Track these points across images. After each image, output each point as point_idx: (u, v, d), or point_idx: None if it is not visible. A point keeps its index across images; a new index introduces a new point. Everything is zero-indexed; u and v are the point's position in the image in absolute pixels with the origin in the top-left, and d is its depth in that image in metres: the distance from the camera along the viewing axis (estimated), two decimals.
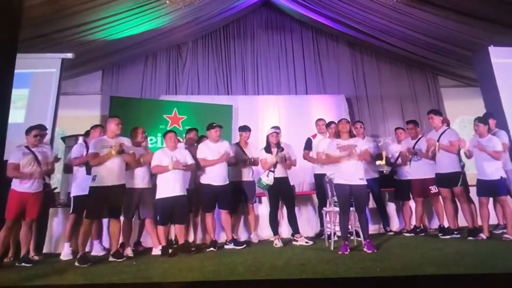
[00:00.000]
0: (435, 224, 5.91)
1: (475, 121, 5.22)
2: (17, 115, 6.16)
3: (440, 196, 5.45)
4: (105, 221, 5.20)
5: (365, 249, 4.44)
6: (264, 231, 5.88)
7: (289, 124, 8.88)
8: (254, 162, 5.70)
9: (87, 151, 4.90)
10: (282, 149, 5.45)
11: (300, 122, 8.74)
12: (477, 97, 7.88)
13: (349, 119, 5.80)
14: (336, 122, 5.15)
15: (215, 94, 9.98)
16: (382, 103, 10.36)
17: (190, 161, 5.09)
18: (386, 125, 10.06)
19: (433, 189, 5.47)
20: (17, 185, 4.69)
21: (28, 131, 4.92)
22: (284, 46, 10.71)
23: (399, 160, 5.95)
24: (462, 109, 9.82)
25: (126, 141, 4.89)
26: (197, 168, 5.28)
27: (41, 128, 5.19)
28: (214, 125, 5.39)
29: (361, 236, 4.66)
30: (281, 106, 9.66)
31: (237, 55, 10.51)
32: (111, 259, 4.61)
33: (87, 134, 5.42)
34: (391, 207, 6.32)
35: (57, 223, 5.68)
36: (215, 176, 5.24)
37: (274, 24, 10.89)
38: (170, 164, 4.85)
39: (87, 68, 9.55)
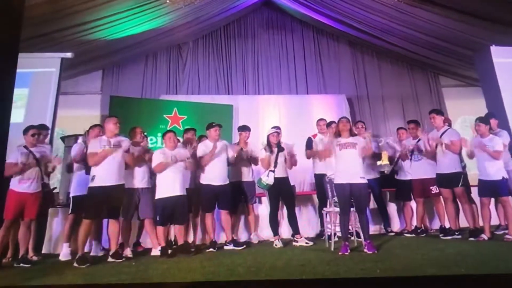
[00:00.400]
0: (436, 225, 5.88)
1: (476, 121, 5.19)
2: (16, 115, 6.16)
3: (441, 197, 5.42)
4: (104, 221, 5.16)
5: (365, 250, 4.40)
6: (264, 232, 5.85)
7: (289, 124, 8.88)
8: (255, 161, 5.69)
9: (87, 150, 4.87)
10: (283, 149, 5.43)
11: (300, 122, 8.74)
12: (479, 97, 7.85)
13: (350, 119, 5.77)
14: (337, 121, 5.12)
15: (216, 94, 9.99)
16: (383, 103, 10.37)
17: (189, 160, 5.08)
18: (387, 125, 10.04)
19: (434, 189, 5.44)
20: (15, 185, 4.66)
21: (25, 131, 4.90)
22: (285, 46, 10.72)
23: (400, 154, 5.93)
24: (464, 109, 9.80)
25: (126, 141, 4.87)
26: (197, 167, 5.26)
27: (40, 127, 5.19)
28: (213, 124, 5.37)
29: (362, 236, 4.63)
30: (281, 106, 9.65)
31: (237, 55, 10.53)
32: (110, 259, 4.59)
33: (86, 134, 5.40)
34: (392, 208, 6.28)
35: (57, 224, 5.65)
36: (215, 176, 5.22)
37: (275, 24, 10.90)
38: (164, 158, 4.83)
39: (88, 67, 9.56)
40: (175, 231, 5.14)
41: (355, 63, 10.70)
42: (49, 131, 5.70)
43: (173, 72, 10.23)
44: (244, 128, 5.87)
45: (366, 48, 10.74)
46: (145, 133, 5.46)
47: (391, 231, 5.89)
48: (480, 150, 5.00)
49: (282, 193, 5.42)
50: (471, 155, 5.24)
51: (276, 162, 5.31)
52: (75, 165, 5.18)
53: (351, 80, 10.56)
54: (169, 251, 4.79)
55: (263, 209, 6.01)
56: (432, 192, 5.47)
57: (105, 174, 4.57)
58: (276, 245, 5.14)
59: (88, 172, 4.79)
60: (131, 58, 10.00)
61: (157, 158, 4.90)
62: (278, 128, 5.69)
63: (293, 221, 5.36)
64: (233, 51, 10.54)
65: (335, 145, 4.71)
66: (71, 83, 9.47)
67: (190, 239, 5.48)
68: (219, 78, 10.25)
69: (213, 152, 5.19)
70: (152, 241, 5.07)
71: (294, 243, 5.23)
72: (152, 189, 5.04)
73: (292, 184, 5.74)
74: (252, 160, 5.72)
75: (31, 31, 6.66)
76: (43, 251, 5.40)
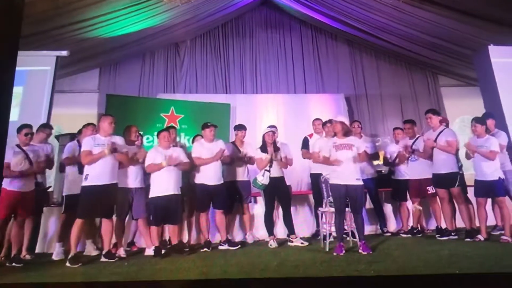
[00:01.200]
0: (432, 225, 5.86)
1: (473, 121, 5.15)
2: (11, 113, 6.12)
3: (437, 197, 5.38)
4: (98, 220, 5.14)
5: (360, 251, 4.38)
6: (260, 232, 5.81)
7: (287, 123, 8.86)
8: (250, 161, 5.64)
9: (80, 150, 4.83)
10: (278, 149, 5.40)
11: (299, 121, 8.67)
12: (478, 96, 7.80)
13: (347, 118, 5.76)
14: (332, 121, 5.09)
15: (213, 93, 9.92)
16: (382, 102, 10.30)
17: (184, 159, 5.04)
18: (386, 125, 9.98)
19: (430, 189, 5.39)
20: (7, 184, 4.60)
21: (19, 130, 4.86)
22: (283, 45, 10.65)
23: (397, 160, 5.90)
24: (462, 109, 9.73)
25: (119, 140, 4.82)
26: (192, 167, 5.23)
27: (44, 126, 5.33)
28: (209, 124, 5.34)
29: (357, 237, 4.60)
30: (279, 105, 9.59)
31: (235, 54, 10.46)
32: (103, 259, 4.56)
33: (79, 132, 5.37)
34: (388, 208, 6.25)
35: (51, 223, 5.62)
36: (210, 175, 5.18)
37: (273, 23, 10.83)
38: (164, 160, 4.80)
39: (85, 65, 9.51)
40: (169, 231, 5.11)
41: (354, 62, 10.63)
42: (49, 130, 5.64)
43: (170, 71, 10.16)
44: (240, 127, 5.83)
45: (364, 47, 10.68)
46: (140, 132, 5.42)
47: (387, 232, 5.86)
48: (471, 150, 4.99)
49: (278, 193, 5.38)
50: (469, 156, 5.20)
51: (271, 162, 5.28)
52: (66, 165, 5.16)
53: (350, 79, 10.49)
54: (163, 251, 4.75)
55: (258, 209, 5.96)
56: (429, 192, 5.43)
57: (98, 173, 4.52)
58: (271, 245, 5.11)
59: (81, 171, 4.75)
60: (129, 56, 9.96)
61: (149, 158, 4.87)
62: (274, 127, 5.66)
63: (288, 221, 5.33)
64: (231, 50, 10.47)
65: (331, 147, 4.69)
66: (68, 81, 9.42)
67: (185, 238, 5.45)
68: (216, 77, 10.18)
69: (216, 158, 5.19)
70: (146, 241, 5.03)
71: (289, 243, 5.21)
72: (145, 188, 5.01)
73: (288, 183, 5.71)
74: (247, 159, 5.68)
75: (27, 29, 6.60)
76: (37, 251, 5.36)
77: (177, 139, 6.11)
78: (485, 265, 3.68)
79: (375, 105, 10.28)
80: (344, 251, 4.39)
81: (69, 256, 4.42)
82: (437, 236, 5.28)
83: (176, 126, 7.32)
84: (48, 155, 5.23)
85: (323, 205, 5.10)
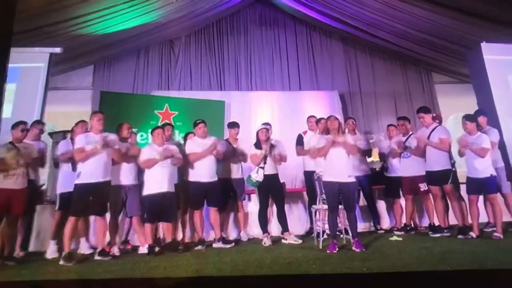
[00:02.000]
0: (425, 222, 5.89)
1: (463, 119, 5.18)
2: (4, 110, 6.09)
3: (430, 194, 5.40)
4: (92, 218, 5.12)
5: (353, 248, 4.40)
6: (254, 229, 5.82)
7: (282, 120, 8.85)
8: (244, 158, 5.65)
9: (73, 147, 4.80)
10: (272, 146, 5.40)
11: (293, 118, 8.68)
12: (472, 93, 7.82)
13: (342, 115, 5.77)
14: (331, 117, 5.08)
15: (208, 90, 9.91)
16: (376, 100, 10.32)
17: (178, 155, 5.04)
18: (380, 122, 9.98)
19: (423, 186, 5.40)
20: (0, 181, 4.57)
21: (14, 126, 4.82)
22: (278, 42, 10.66)
23: (390, 155, 5.91)
24: (456, 106, 9.75)
25: (113, 137, 4.81)
26: (186, 163, 5.22)
27: (37, 123, 5.33)
28: (197, 122, 5.34)
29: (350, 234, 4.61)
30: (274, 102, 9.57)
31: (230, 51, 10.45)
32: (97, 257, 4.54)
33: (72, 130, 5.34)
34: (382, 205, 6.27)
35: (45, 221, 5.59)
36: (204, 173, 5.17)
37: (267, 20, 10.83)
38: (158, 154, 4.80)
39: (79, 62, 9.49)
40: (163, 228, 5.11)
41: (348, 60, 10.65)
42: (44, 126, 5.62)
43: (165, 68, 10.15)
44: (234, 125, 5.84)
45: (359, 44, 10.69)
46: (133, 129, 5.40)
47: (381, 229, 5.88)
48: (463, 146, 5.01)
49: (272, 191, 5.39)
50: (461, 153, 5.23)
51: (265, 159, 5.29)
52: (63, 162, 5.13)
53: (344, 77, 10.51)
54: (157, 249, 4.75)
55: (252, 206, 5.97)
56: (421, 189, 5.44)
57: (91, 171, 4.52)
58: (265, 243, 5.12)
59: (74, 168, 4.74)
60: (123, 53, 9.92)
61: (145, 154, 4.86)
62: (268, 124, 5.66)
63: (282, 218, 5.34)
64: (226, 47, 10.47)
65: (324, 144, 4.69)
66: (62, 78, 9.38)
67: (180, 236, 5.45)
68: (211, 74, 10.18)
69: (209, 150, 5.18)
70: (140, 239, 5.02)
71: (283, 241, 5.22)
72: (139, 186, 5.00)
73: (283, 180, 5.72)
74: (241, 156, 5.68)
75: (21, 25, 6.56)
76: (31, 248, 5.34)
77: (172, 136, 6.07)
78: (477, 262, 3.71)
79: (369, 103, 10.30)
80: (337, 249, 4.41)
81: (63, 254, 4.40)
82: (430, 233, 5.32)
83: (171, 123, 7.27)
84: (42, 152, 5.21)
85: (317, 203, 5.12)
